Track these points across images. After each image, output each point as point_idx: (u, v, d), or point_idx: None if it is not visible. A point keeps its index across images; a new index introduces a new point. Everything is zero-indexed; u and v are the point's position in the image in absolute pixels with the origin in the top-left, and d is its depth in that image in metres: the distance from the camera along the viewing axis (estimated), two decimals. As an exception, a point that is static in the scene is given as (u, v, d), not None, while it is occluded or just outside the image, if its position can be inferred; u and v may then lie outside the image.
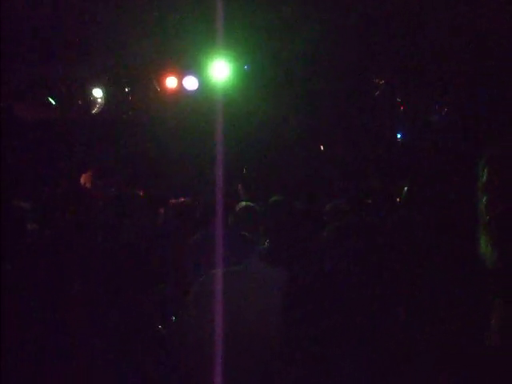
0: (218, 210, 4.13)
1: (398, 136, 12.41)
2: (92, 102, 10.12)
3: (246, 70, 9.77)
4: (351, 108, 10.83)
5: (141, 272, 3.64)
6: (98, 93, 10.03)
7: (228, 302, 2.66)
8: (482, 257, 1.78)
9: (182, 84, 9.84)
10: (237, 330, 2.62)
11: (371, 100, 10.91)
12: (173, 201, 5.78)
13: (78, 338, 3.40)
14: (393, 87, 10.75)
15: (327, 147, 12.14)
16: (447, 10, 8.13)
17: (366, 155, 11.08)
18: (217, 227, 3.98)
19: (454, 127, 10.70)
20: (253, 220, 3.74)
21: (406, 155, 11.30)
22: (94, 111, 10.19)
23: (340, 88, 10.47)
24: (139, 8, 8.41)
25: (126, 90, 10.17)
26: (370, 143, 11.35)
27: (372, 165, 10.50)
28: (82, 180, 7.89)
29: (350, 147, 11.27)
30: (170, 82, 9.87)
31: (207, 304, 2.70)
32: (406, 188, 3.32)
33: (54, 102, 10.01)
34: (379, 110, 11.18)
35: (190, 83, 9.83)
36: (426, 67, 9.56)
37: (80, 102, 10.13)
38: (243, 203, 3.33)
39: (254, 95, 10.01)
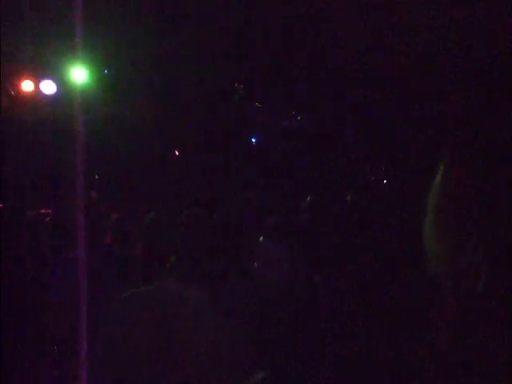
0: (80, 222, 3.85)
1: (253, 140, 12.77)
2: None
3: (104, 74, 9.60)
4: (209, 112, 10.95)
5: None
6: None
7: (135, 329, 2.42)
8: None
9: (38, 88, 9.54)
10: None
11: (229, 104, 11.12)
12: (31, 212, 5.32)
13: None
14: (251, 92, 11.04)
15: (184, 152, 12.20)
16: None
17: (222, 159, 11.27)
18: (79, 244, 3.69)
19: (308, 132, 11.19)
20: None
21: (260, 158, 11.65)
22: None
23: (199, 92, 10.56)
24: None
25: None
26: (226, 147, 11.56)
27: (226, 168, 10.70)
28: None
29: (206, 152, 11.40)
30: (26, 86, 9.49)
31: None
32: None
33: None
34: (238, 114, 11.42)
35: (48, 87, 9.56)
36: (285, 72, 9.88)
37: None
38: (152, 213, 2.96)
39: (113, 100, 9.86)
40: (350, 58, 8.89)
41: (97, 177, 11.47)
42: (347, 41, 8.50)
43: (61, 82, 9.47)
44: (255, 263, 3.26)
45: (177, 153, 12.71)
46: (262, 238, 3.37)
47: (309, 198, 3.28)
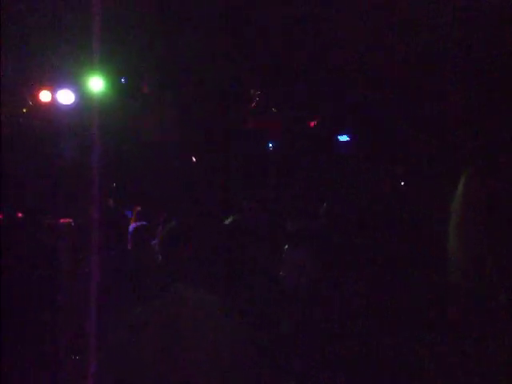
0: (96, 230, 3.84)
1: (270, 145, 12.79)
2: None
3: (121, 83, 9.60)
4: (226, 119, 10.95)
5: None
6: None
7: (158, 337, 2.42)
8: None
9: (55, 98, 9.61)
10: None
11: (247, 110, 11.12)
12: (49, 221, 5.31)
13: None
14: (268, 98, 11.04)
15: (201, 159, 12.18)
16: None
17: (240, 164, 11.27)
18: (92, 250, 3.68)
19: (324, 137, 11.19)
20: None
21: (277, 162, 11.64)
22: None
23: (215, 99, 10.55)
24: (9, 21, 7.80)
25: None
26: (244, 153, 11.56)
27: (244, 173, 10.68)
28: None
29: (225, 158, 11.39)
30: (44, 96, 9.58)
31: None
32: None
33: None
34: (255, 120, 11.41)
35: (65, 97, 9.60)
36: (299, 79, 9.89)
37: None
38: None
39: (131, 108, 9.85)
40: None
41: (114, 185, 11.49)
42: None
43: (78, 91, 9.53)
44: (281, 272, 3.23)
45: (194, 159, 12.71)
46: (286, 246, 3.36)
47: (325, 204, 3.29)
